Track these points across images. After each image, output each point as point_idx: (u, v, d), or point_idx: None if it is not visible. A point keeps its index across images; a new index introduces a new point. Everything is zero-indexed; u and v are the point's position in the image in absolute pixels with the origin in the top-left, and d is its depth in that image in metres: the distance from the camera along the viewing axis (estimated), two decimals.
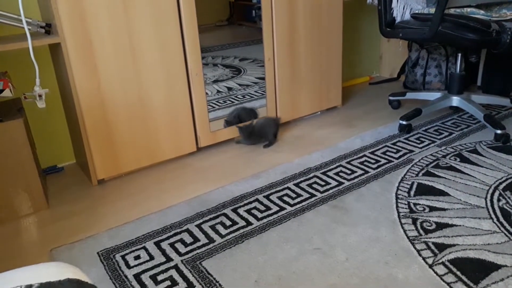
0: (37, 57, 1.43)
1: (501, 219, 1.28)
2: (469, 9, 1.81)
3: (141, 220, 1.40)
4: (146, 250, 1.24)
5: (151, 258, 1.21)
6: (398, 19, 2.00)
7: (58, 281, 0.50)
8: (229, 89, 2.00)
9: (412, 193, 1.46)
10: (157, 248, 1.25)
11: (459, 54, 2.01)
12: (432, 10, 1.79)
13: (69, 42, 1.45)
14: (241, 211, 1.41)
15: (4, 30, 1.52)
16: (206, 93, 1.83)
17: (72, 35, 1.45)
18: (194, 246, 1.25)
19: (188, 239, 1.28)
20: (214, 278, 1.11)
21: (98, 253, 1.24)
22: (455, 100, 2.02)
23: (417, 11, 1.94)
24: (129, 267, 1.18)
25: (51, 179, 1.74)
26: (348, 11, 2.59)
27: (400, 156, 1.73)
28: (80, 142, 1.63)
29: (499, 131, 1.80)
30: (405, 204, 1.40)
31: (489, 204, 1.37)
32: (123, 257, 1.22)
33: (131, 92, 1.61)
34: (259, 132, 1.91)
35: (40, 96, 1.47)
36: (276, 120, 1.94)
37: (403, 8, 2.01)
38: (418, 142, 1.85)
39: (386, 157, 1.73)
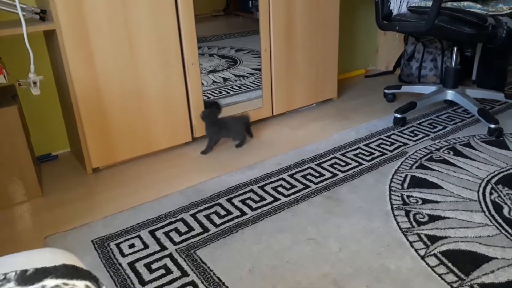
0: (31, 44, 1.41)
1: (493, 212, 1.30)
2: (465, 3, 1.81)
3: (135, 209, 1.40)
4: (141, 238, 1.24)
5: (146, 246, 1.21)
6: (395, 12, 2.00)
7: (53, 266, 0.50)
8: (225, 79, 2.00)
9: (405, 185, 1.47)
10: (151, 237, 1.25)
11: (455, 48, 2.01)
12: (429, 3, 1.79)
13: (64, 29, 1.44)
14: (235, 201, 1.41)
15: None
16: (202, 83, 1.82)
17: (68, 22, 1.44)
18: (189, 235, 1.25)
19: (183, 228, 1.28)
20: (208, 267, 1.12)
21: (92, 241, 1.24)
22: (450, 94, 2.03)
23: (414, 4, 1.94)
24: (123, 255, 1.18)
25: (45, 167, 1.73)
26: (345, 4, 2.58)
27: (394, 149, 1.73)
28: (74, 130, 1.62)
29: (492, 125, 1.81)
30: (398, 196, 1.40)
31: (481, 197, 1.38)
32: (117, 245, 1.22)
33: (127, 81, 1.60)
34: (224, 127, 1.80)
35: (34, 83, 1.45)
36: (245, 118, 1.84)
37: (400, 1, 2.01)
38: (412, 135, 1.86)
39: (380, 149, 1.73)
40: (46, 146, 1.80)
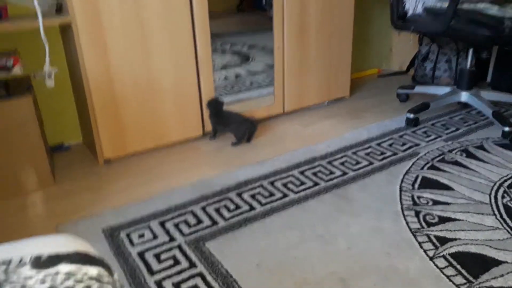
0: (47, 37, 1.43)
1: (504, 216, 1.28)
2: (482, 5, 1.79)
3: (146, 200, 1.41)
4: (150, 229, 1.25)
5: (155, 237, 1.22)
6: (410, 13, 1.98)
7: (66, 252, 0.51)
8: (237, 76, 2.00)
9: (416, 186, 1.46)
10: (161, 228, 1.26)
11: (470, 50, 1.99)
12: (445, 5, 1.77)
13: (80, 22, 1.45)
14: (245, 195, 1.42)
15: (15, 9, 1.52)
16: (214, 79, 1.82)
17: (83, 16, 1.45)
18: (198, 227, 1.26)
19: (192, 220, 1.29)
20: (217, 259, 1.12)
21: (103, 229, 1.26)
22: (464, 96, 2.01)
23: (429, 5, 1.92)
24: (133, 244, 1.19)
25: (58, 157, 1.75)
26: (360, 3, 2.56)
27: (406, 149, 1.72)
28: (87, 122, 1.64)
29: (507, 129, 1.79)
30: (408, 196, 1.40)
31: (493, 200, 1.37)
32: (127, 235, 1.23)
33: (140, 74, 1.61)
34: (225, 121, 1.81)
35: (49, 75, 1.47)
36: (250, 124, 1.82)
37: (416, 1, 1.99)
38: (425, 136, 1.85)
39: (392, 149, 1.73)
40: (59, 137, 1.83)
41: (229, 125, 1.83)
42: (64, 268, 0.48)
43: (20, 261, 0.48)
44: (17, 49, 1.56)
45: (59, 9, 1.48)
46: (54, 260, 0.49)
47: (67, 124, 1.83)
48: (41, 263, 0.48)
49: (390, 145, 1.77)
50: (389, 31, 2.80)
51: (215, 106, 1.80)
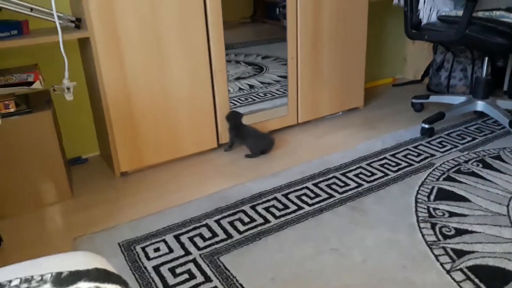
0: (66, 51, 1.47)
1: None
2: (498, 12, 1.77)
3: (161, 213, 1.43)
4: (166, 242, 1.27)
5: (170, 251, 1.23)
6: (424, 21, 1.98)
7: (86, 269, 0.52)
8: (251, 86, 2.02)
9: (432, 197, 1.45)
10: (176, 241, 1.27)
11: (486, 58, 1.98)
12: (460, 13, 1.77)
13: (98, 36, 1.49)
14: (259, 208, 1.42)
15: (36, 24, 1.57)
16: (228, 90, 1.84)
17: (101, 30, 1.49)
18: (213, 241, 1.27)
19: (207, 234, 1.30)
20: (231, 274, 1.13)
21: (119, 243, 1.28)
22: (480, 105, 1.99)
23: (444, 13, 1.91)
24: (148, 258, 1.20)
25: (75, 170, 1.79)
26: (373, 12, 2.57)
27: (421, 160, 1.71)
28: (105, 135, 1.67)
29: None
30: (424, 208, 1.39)
31: (511, 212, 1.35)
32: (143, 248, 1.25)
33: (155, 87, 1.64)
34: (242, 134, 1.82)
35: (68, 88, 1.51)
36: (267, 142, 1.84)
37: (430, 9, 1.98)
38: (440, 146, 1.83)
39: (407, 160, 1.72)
40: (77, 149, 1.86)
41: (247, 139, 1.84)
42: (84, 285, 0.49)
43: (41, 279, 0.50)
44: (37, 64, 1.60)
45: (78, 24, 1.52)
46: (74, 277, 0.51)
47: (85, 137, 1.87)
48: (61, 280, 0.50)
49: (405, 155, 1.76)
50: (403, 40, 2.79)
51: (234, 118, 1.82)
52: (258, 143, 1.83)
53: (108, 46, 1.51)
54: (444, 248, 1.19)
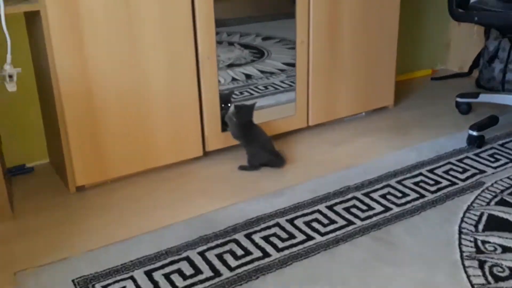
0: (9, 28, 1.47)
1: None
2: None
3: (129, 242, 1.42)
4: (134, 281, 1.27)
5: None
6: None
7: None
8: (248, 76, 2.02)
9: (480, 227, 1.45)
10: (148, 279, 1.27)
11: None
12: None
13: (51, 10, 1.49)
14: (256, 237, 1.42)
15: None
16: (219, 81, 1.84)
17: (55, 2, 1.49)
18: (195, 279, 1.27)
19: (188, 270, 1.30)
20: None
21: (73, 281, 1.27)
22: None
23: None
24: None
25: (17, 182, 1.78)
26: None
27: (467, 178, 1.72)
28: (56, 138, 1.67)
29: None
30: (470, 241, 1.39)
31: None
32: None
33: (125, 78, 1.64)
34: (251, 137, 1.82)
35: (10, 76, 1.50)
36: (279, 158, 1.85)
37: None
38: (492, 160, 1.84)
39: (449, 177, 1.72)
40: (20, 156, 1.86)
41: (250, 144, 1.83)
42: None
43: None
44: None
45: None
46: None
47: (31, 139, 1.87)
48: None
49: (447, 171, 1.76)
50: (446, 22, 2.81)
51: (244, 114, 1.79)
52: (262, 154, 1.82)
53: (64, 23, 1.51)
54: None
